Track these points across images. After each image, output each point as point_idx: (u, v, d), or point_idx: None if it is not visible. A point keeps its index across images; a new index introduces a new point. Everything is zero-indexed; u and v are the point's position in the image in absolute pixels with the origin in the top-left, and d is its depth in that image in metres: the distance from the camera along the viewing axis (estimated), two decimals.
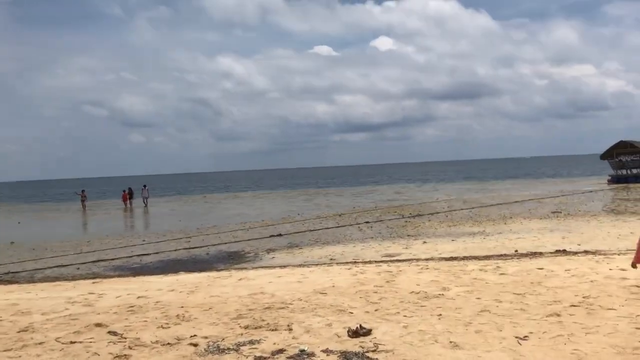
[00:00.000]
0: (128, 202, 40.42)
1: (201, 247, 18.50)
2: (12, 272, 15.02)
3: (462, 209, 26.43)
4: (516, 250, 13.27)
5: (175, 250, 18.11)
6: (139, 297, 8.36)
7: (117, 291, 9.08)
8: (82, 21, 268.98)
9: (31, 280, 13.66)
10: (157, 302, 7.95)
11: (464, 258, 12.09)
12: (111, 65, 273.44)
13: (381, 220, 23.19)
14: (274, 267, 12.61)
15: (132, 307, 7.65)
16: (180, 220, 29.30)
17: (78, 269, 15.15)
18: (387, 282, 8.77)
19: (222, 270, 12.82)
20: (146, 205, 39.54)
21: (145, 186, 41.10)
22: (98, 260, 16.41)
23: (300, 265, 12.47)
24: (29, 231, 27.50)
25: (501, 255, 12.42)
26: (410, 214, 25.39)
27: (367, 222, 22.63)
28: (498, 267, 9.97)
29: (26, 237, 24.11)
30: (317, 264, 12.60)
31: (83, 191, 42.25)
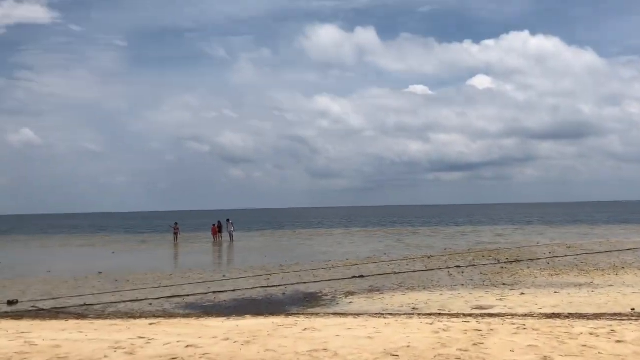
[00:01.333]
0: (217, 235, 40.73)
1: (279, 285, 17.66)
2: (88, 305, 14.86)
3: (566, 256, 23.96)
4: (633, 309, 11.30)
5: (252, 288, 17.40)
6: (187, 346, 7.49)
7: (169, 336, 8.28)
8: (188, 62, 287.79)
9: (101, 314, 13.36)
10: (205, 353, 7.04)
11: (569, 316, 10.34)
12: (214, 103, 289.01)
13: (474, 265, 21.35)
14: (348, 314, 11.43)
15: (175, 359, 6.76)
16: (265, 255, 28.81)
17: (150, 304, 14.72)
18: (474, 344, 7.35)
19: (292, 314, 11.83)
20: (232, 240, 39.63)
21: (229, 220, 41.30)
22: (173, 296, 15.96)
23: (377, 315, 11.21)
24: (120, 262, 27.99)
25: (615, 314, 10.54)
26: (507, 259, 23.30)
27: (458, 267, 20.89)
28: (612, 331, 8.25)
29: (115, 268, 24.46)
30: (396, 314, 11.28)
31: (176, 224, 43.14)
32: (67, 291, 17.72)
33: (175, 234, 41.47)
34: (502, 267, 20.48)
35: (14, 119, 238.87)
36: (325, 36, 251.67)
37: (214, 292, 16.65)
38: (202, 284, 18.72)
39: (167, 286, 18.22)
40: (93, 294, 16.91)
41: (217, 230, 41.00)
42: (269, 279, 19.43)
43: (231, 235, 40.06)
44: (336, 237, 44.14)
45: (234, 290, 16.79)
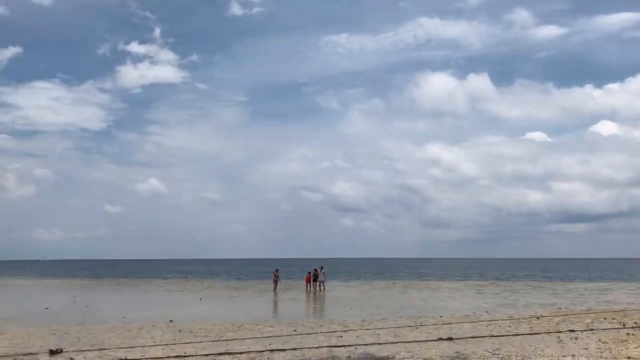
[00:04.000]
0: (311, 284, 38.90)
1: (349, 345, 15.18)
2: (127, 359, 13.35)
3: None
4: None
5: (318, 347, 15.06)
6: None
7: None
8: (304, 115, 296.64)
9: None
10: None
11: None
12: (327, 153, 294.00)
13: (592, 330, 17.54)
14: None
15: None
16: (351, 308, 26.42)
17: None
18: None
19: None
20: (323, 290, 37.55)
21: (322, 268, 39.27)
22: (223, 353, 14.04)
23: None
24: (200, 309, 26.85)
25: None
26: (635, 323, 19.11)
27: (571, 331, 17.21)
28: None
29: (189, 316, 23.27)
30: None
31: (276, 270, 41.88)
32: (121, 341, 16.45)
33: (275, 281, 40.09)
34: (629, 334, 16.55)
35: (143, 170, 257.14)
36: (437, 84, 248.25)
37: (272, 349, 14.54)
38: (266, 338, 16.73)
39: (227, 340, 16.42)
40: (144, 346, 15.45)
41: (312, 278, 39.19)
42: (341, 336, 17.02)
43: (322, 285, 38.01)
44: (438, 291, 40.55)
45: (294, 349, 14.57)
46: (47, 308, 27.06)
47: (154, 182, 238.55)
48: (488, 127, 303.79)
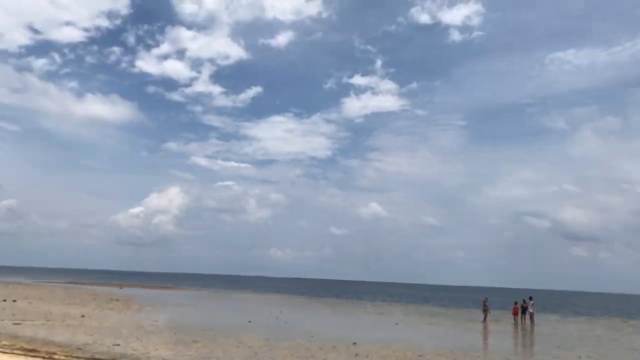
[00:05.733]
0: (518, 317, 35.46)
1: None
2: None
3: None
4: None
5: None
6: None
7: None
8: (526, 137, 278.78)
9: None
10: None
11: None
12: (553, 177, 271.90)
13: None
14: None
15: None
16: (558, 347, 23.17)
17: None
18: None
19: None
20: (532, 323, 33.83)
21: (530, 299, 35.40)
22: None
23: None
24: (391, 334, 25.99)
25: None
26: None
27: None
28: None
29: (374, 341, 22.60)
30: None
31: (486, 299, 39.27)
32: None
33: (485, 311, 37.53)
34: None
35: (365, 194, 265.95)
36: None
37: None
38: None
39: None
40: None
41: (520, 310, 35.74)
42: None
43: (531, 317, 34.31)
44: None
45: None
46: (250, 321, 28.68)
47: (374, 206, 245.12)
48: None
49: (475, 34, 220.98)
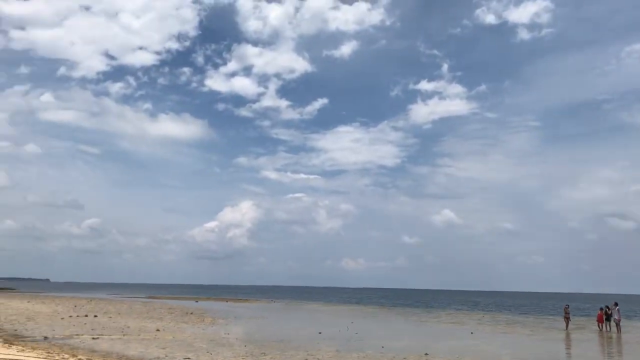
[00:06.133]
0: (604, 323, 33.49)
1: None
2: None
3: None
4: None
5: None
6: None
7: None
8: (605, 134, 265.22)
9: None
10: None
11: None
12: (636, 175, 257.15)
13: None
14: None
15: None
16: None
17: None
18: None
19: None
20: (618, 330, 31.81)
21: (616, 305, 33.27)
22: None
23: None
24: (465, 344, 25.11)
25: None
26: None
27: None
28: None
29: (449, 350, 21.89)
30: None
31: (567, 306, 37.49)
32: None
33: (567, 318, 35.80)
34: None
35: (436, 202, 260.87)
36: None
37: None
38: None
39: None
40: None
41: (604, 317, 33.77)
42: None
43: (617, 324, 32.27)
44: None
45: None
46: (320, 333, 28.47)
47: (447, 213, 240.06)
48: None
49: (545, 31, 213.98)
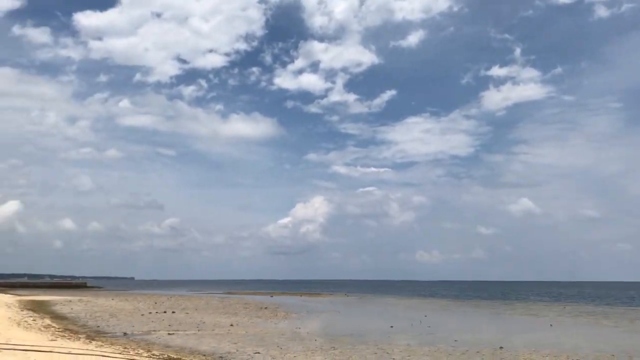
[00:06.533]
0: None
1: None
2: None
3: None
4: None
5: None
6: None
7: None
8: None
9: None
10: None
11: None
12: None
13: None
14: None
15: None
16: None
17: None
18: None
19: None
20: None
21: None
22: None
23: None
24: (542, 336, 24.13)
25: None
26: None
27: None
28: None
29: (525, 344, 21.16)
30: None
31: None
32: None
33: None
34: None
35: (513, 190, 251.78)
36: None
37: None
38: None
39: None
40: None
41: None
42: None
43: None
44: None
45: None
46: (392, 327, 28.19)
47: (525, 202, 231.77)
48: None
49: (625, 6, 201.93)
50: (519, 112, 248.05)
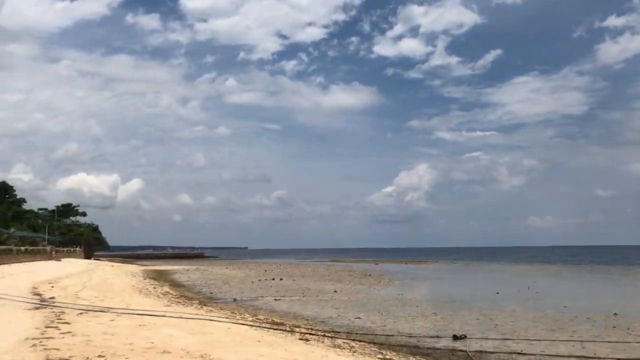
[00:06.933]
0: None
1: None
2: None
3: None
4: None
5: None
6: None
7: None
8: None
9: None
10: None
11: None
12: None
13: None
14: None
15: None
16: None
17: None
18: None
19: None
20: None
21: None
22: None
23: None
24: None
25: None
26: None
27: None
28: None
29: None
30: None
31: None
32: (536, 332, 15.30)
33: None
34: None
35: (635, 149, 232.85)
36: None
37: None
38: None
39: None
40: (553, 341, 13.87)
41: None
42: None
43: None
44: None
45: None
46: (497, 293, 27.58)
47: None
48: None
49: None
50: (639, 64, 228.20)
